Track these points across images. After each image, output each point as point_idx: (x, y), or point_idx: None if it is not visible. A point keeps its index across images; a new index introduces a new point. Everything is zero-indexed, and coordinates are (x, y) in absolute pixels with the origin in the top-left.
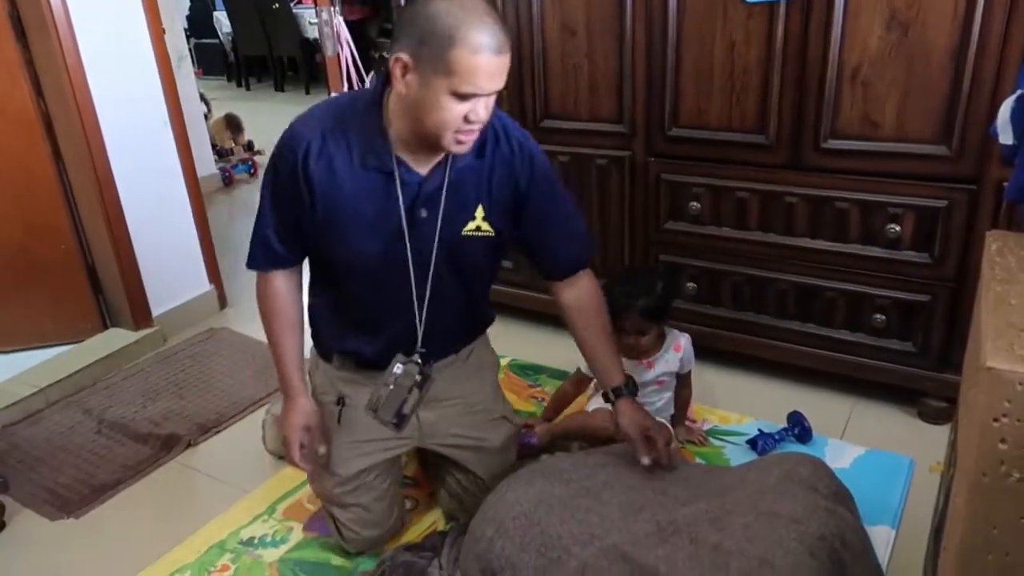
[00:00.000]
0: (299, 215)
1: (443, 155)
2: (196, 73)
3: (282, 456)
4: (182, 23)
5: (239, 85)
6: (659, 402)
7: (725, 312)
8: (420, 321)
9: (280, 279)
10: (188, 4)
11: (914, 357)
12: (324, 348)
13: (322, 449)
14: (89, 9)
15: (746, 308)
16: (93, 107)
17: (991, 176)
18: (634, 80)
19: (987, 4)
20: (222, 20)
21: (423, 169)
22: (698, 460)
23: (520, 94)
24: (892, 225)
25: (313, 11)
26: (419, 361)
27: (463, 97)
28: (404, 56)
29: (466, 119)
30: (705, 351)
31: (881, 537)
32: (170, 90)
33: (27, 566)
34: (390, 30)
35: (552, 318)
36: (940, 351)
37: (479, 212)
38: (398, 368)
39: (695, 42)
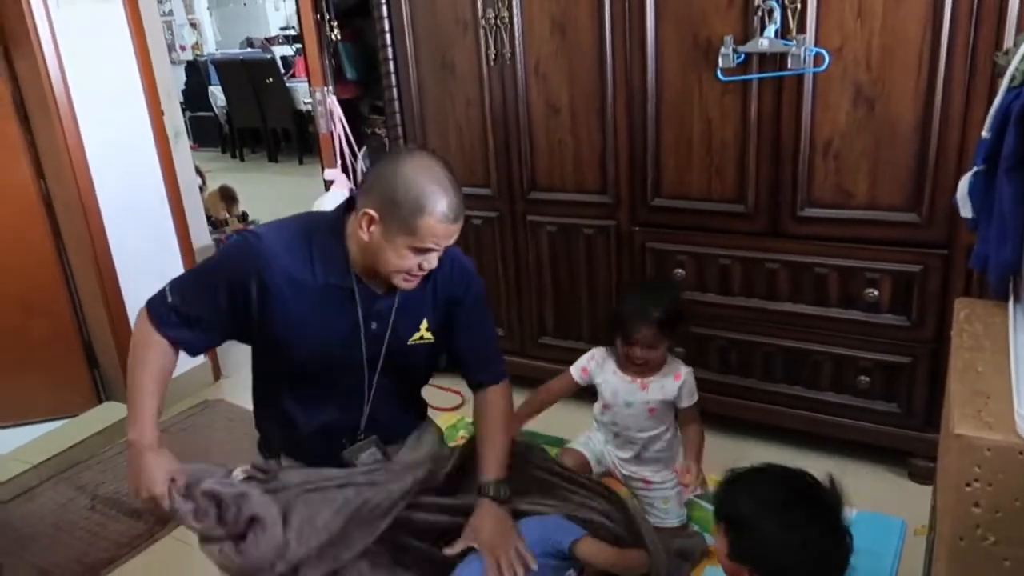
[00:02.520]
0: (219, 318)
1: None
2: (192, 147)
3: None
4: (178, 97)
5: (233, 156)
6: (645, 433)
7: (713, 375)
8: (364, 414)
9: (167, 346)
10: (184, 79)
11: (899, 418)
12: (273, 453)
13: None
14: (90, 91)
15: (733, 371)
16: (93, 187)
17: (961, 241)
18: (617, 154)
19: (947, 81)
20: (217, 94)
21: (379, 289)
22: (694, 527)
23: (508, 168)
24: (870, 289)
25: (306, 84)
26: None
27: (420, 251)
28: (372, 212)
29: (420, 267)
30: None
31: None
32: (167, 166)
33: None
34: (381, 107)
35: (536, 381)
36: (924, 411)
37: (423, 325)
38: (366, 455)
39: (674, 119)
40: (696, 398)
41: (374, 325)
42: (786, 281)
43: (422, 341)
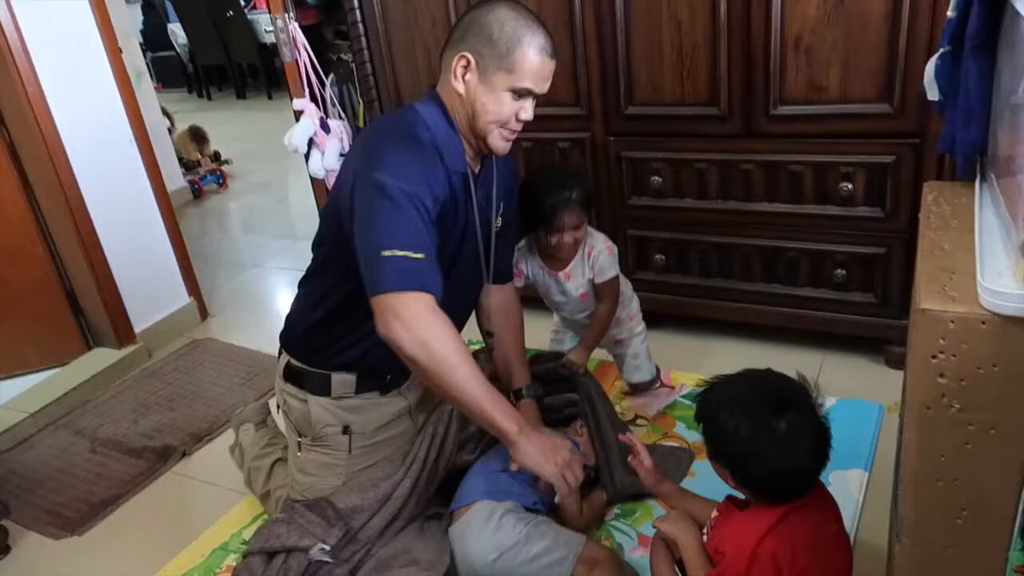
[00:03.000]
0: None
1: (482, 156)
2: (156, 88)
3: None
4: (137, 38)
5: (200, 96)
6: (588, 311)
7: (694, 280)
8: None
9: (436, 305)
10: (142, 19)
11: (876, 307)
12: (321, 374)
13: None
14: (45, 36)
15: (713, 274)
16: (57, 132)
17: (932, 130)
18: (588, 64)
19: None
20: (177, 32)
21: (476, 166)
22: (679, 425)
23: None
24: (845, 183)
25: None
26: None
27: (519, 94)
28: (468, 55)
29: (516, 117)
30: (677, 319)
31: (855, 480)
32: (132, 108)
33: None
34: (344, 32)
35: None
36: (899, 299)
37: (500, 209)
38: None
39: (643, 24)
40: (612, 273)
41: (482, 209)
42: (762, 181)
43: (498, 227)
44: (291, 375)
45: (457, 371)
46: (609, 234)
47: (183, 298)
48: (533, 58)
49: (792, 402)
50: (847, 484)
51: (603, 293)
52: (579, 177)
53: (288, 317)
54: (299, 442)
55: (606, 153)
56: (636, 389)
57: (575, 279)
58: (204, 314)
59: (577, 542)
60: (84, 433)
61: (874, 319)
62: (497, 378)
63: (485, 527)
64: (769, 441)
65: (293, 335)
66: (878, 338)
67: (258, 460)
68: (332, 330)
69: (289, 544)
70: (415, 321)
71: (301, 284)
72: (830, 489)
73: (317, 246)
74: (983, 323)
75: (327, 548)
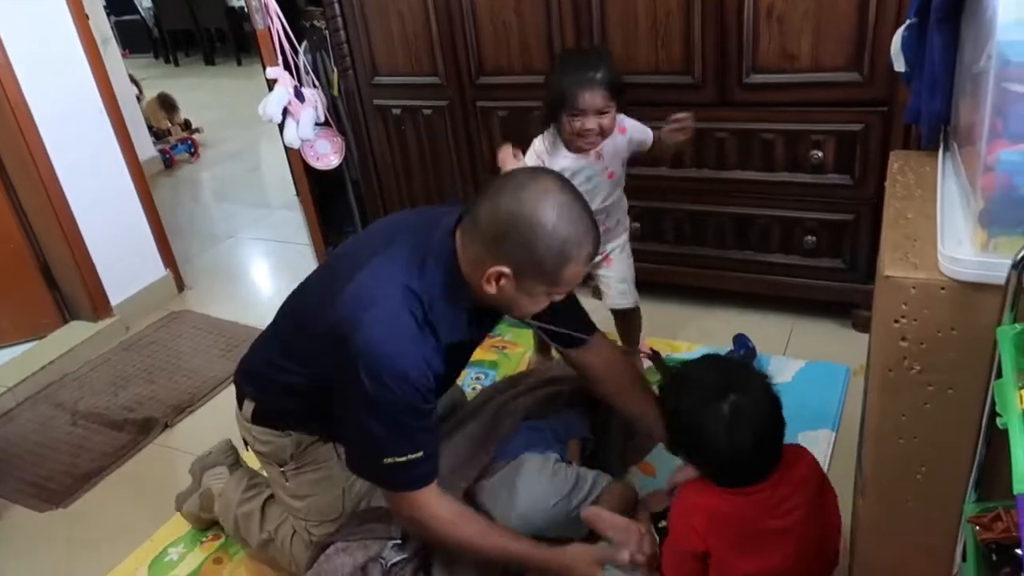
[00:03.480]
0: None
1: None
2: (122, 55)
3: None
4: (100, 1)
5: (167, 62)
6: (609, 199)
7: (668, 248)
8: None
9: (438, 489)
10: None
11: (844, 272)
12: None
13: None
14: (9, 5)
15: (688, 242)
16: (26, 103)
17: (900, 98)
18: (563, 32)
19: None
20: None
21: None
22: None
23: (454, 54)
24: (815, 151)
25: None
26: None
27: (557, 292)
28: (507, 270)
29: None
30: (652, 286)
31: (823, 439)
32: (100, 76)
33: (22, 559)
34: None
35: None
36: (867, 264)
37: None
38: None
39: None
40: (649, 132)
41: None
42: (735, 149)
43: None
44: (263, 419)
45: (485, 549)
46: None
47: (159, 270)
48: (579, 269)
49: (740, 387)
50: (815, 443)
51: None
52: (604, 57)
53: (250, 373)
54: (283, 472)
55: None
56: (622, 318)
57: (607, 158)
58: (180, 286)
59: (604, 478)
60: (64, 406)
61: (842, 284)
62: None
63: (541, 475)
64: (713, 424)
65: (263, 402)
66: (846, 302)
67: (245, 505)
68: (311, 409)
69: (360, 562)
70: (433, 523)
71: (264, 350)
72: None
73: (278, 339)
74: (942, 289)
75: (399, 541)
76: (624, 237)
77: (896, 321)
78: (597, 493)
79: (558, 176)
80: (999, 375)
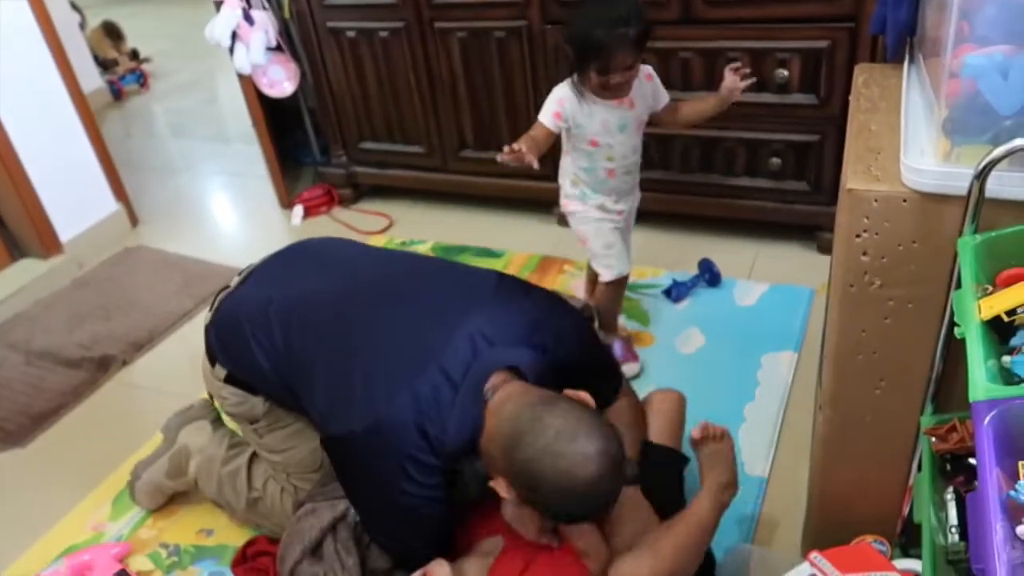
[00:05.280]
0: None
1: None
2: None
3: (155, 510)
4: None
5: None
6: (638, 153)
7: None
8: None
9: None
10: None
11: (809, 195)
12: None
13: None
14: None
15: (653, 167)
16: None
17: (866, 13)
18: None
19: None
20: None
21: None
22: (622, 320)
23: None
24: (781, 70)
25: None
26: None
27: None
28: (506, 483)
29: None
30: None
31: (785, 360)
32: (36, 3)
33: None
34: None
35: (468, 197)
36: (832, 186)
37: None
38: None
39: None
40: (666, 93)
41: None
42: (700, 70)
43: None
44: (236, 383)
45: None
46: None
47: (110, 205)
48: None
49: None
50: (777, 365)
51: (673, 103)
52: (636, 9)
53: (225, 348)
54: (255, 428)
55: (543, 42)
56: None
57: (637, 107)
58: (135, 221)
59: None
60: (17, 347)
61: (807, 207)
62: None
63: None
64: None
65: (237, 371)
66: (811, 225)
67: (230, 463)
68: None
69: (326, 523)
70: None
71: (247, 339)
72: (762, 372)
73: (268, 337)
74: (904, 201)
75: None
76: (637, 195)
77: (858, 235)
78: None
79: (590, 412)
80: (959, 286)
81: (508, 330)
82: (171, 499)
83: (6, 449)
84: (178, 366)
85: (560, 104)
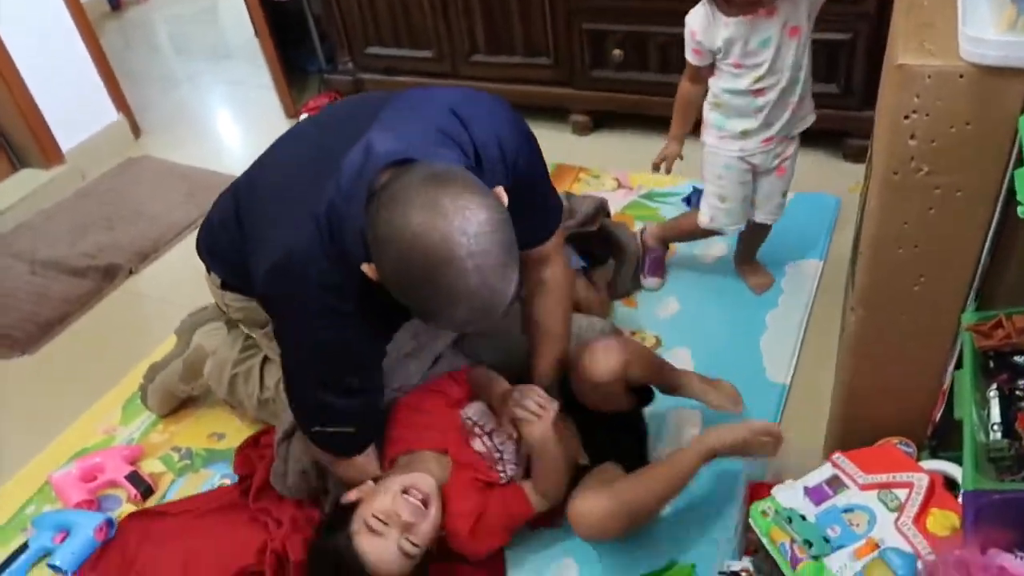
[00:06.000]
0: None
1: None
2: None
3: (167, 415)
4: None
5: None
6: (801, 70)
7: (653, 76)
8: None
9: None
10: None
11: (838, 98)
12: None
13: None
14: None
15: (673, 70)
16: None
17: None
18: None
19: None
20: None
21: None
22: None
23: None
24: None
25: None
26: None
27: None
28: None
29: None
30: (634, 118)
31: (810, 269)
32: None
33: None
34: None
35: None
36: (863, 89)
37: None
38: None
39: None
40: None
41: None
42: None
43: None
44: (232, 287)
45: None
46: (564, 29)
47: (111, 114)
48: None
49: None
50: (802, 273)
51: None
52: None
53: (212, 250)
54: (264, 332)
55: None
56: (757, 230)
57: (783, 11)
58: (137, 131)
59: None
60: (21, 256)
61: (835, 111)
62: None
63: None
64: None
65: (228, 274)
66: (839, 131)
67: (242, 364)
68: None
69: None
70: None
71: (223, 230)
72: (785, 280)
73: (237, 222)
74: (961, 76)
75: None
76: (811, 120)
77: (906, 117)
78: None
79: (479, 190)
80: (1019, 164)
81: (412, 128)
82: (182, 404)
83: (14, 356)
84: (185, 275)
85: (692, 37)
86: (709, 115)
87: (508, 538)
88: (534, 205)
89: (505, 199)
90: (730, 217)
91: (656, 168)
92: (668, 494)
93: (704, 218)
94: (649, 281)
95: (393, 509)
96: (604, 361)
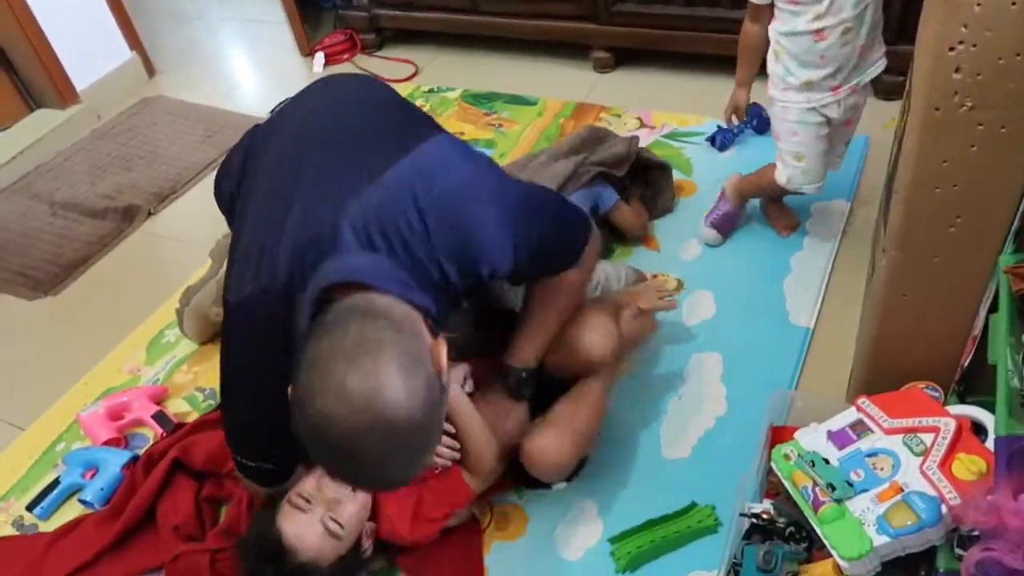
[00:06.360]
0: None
1: None
2: None
3: (204, 342)
4: None
5: None
6: (868, 7)
7: (677, 9)
8: None
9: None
10: None
11: None
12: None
13: None
14: None
15: (697, 2)
16: None
17: None
18: None
19: None
20: None
21: None
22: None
23: None
24: None
25: None
26: None
27: None
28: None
29: None
30: (657, 55)
31: (837, 210)
32: None
33: (17, 345)
34: None
35: (498, 41)
36: (898, 23)
37: None
38: None
39: None
40: None
41: None
42: None
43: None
44: None
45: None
46: None
47: (124, 52)
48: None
49: None
50: (828, 215)
51: None
52: None
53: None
54: None
55: None
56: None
57: None
58: (151, 71)
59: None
60: (41, 197)
61: None
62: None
63: None
64: None
65: None
66: None
67: None
68: None
69: None
70: None
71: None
72: (811, 221)
73: None
74: (1014, 3)
75: None
76: (882, 65)
77: (952, 48)
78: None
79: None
80: None
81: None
82: (206, 343)
83: (37, 297)
84: (204, 216)
85: None
86: (773, 66)
87: (447, 521)
88: (548, 267)
89: (443, 357)
90: (807, 176)
91: (728, 120)
92: (604, 408)
93: (782, 177)
94: (707, 232)
95: (316, 487)
96: (602, 345)
